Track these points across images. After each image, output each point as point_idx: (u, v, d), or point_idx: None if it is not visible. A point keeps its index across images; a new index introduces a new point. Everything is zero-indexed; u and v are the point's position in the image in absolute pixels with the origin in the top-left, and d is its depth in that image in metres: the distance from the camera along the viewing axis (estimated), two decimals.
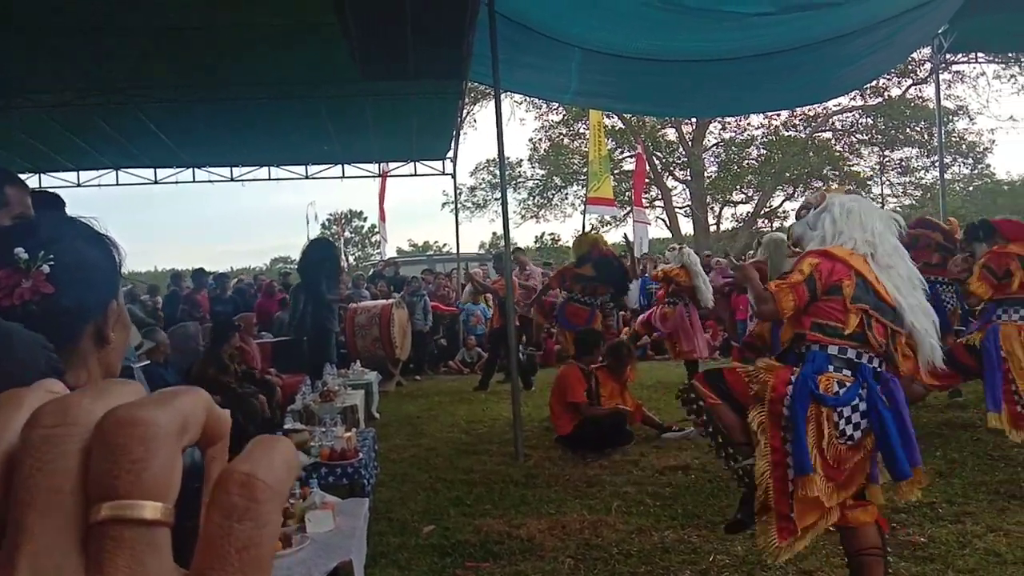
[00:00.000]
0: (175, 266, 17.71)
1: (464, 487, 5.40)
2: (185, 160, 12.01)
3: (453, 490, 5.34)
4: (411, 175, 13.35)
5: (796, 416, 2.90)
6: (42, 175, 11.86)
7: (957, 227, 7.27)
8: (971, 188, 31.27)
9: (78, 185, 12.23)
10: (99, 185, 12.33)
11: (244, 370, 7.32)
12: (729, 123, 28.50)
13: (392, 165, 13.61)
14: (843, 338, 2.93)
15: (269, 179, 12.80)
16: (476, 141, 62.49)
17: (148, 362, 3.37)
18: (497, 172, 29.99)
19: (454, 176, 13.14)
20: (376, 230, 22.09)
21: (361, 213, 43.11)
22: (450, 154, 12.76)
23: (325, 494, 3.68)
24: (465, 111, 25.42)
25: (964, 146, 28.09)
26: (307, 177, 12.83)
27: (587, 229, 28.92)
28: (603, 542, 4.22)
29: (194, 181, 12.60)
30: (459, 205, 30.55)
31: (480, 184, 31.07)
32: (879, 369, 2.96)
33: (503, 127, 6.31)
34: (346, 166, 12.94)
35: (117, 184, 12.39)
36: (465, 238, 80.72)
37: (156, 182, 12.55)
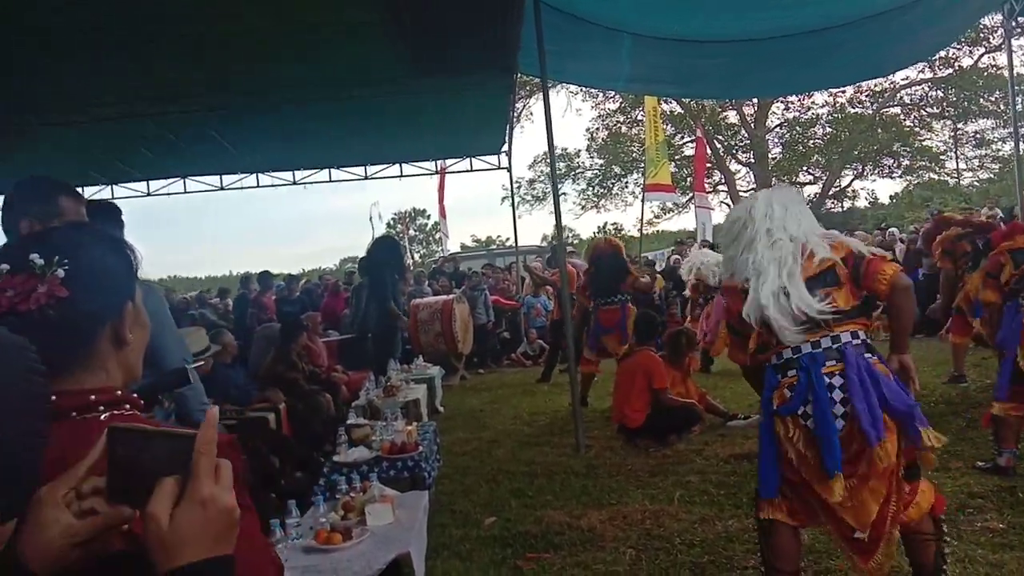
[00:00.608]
0: (248, 269, 18.24)
1: (525, 479, 5.42)
2: (248, 166, 12.32)
3: (515, 482, 5.36)
4: (467, 171, 13.41)
5: (770, 439, 2.88)
6: (114, 186, 12.34)
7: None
8: None
9: (148, 194, 12.69)
10: (168, 193, 12.77)
11: (311, 370, 7.49)
12: (792, 103, 27.75)
13: (449, 162, 13.70)
14: (769, 352, 2.93)
15: (330, 180, 13.04)
16: (533, 134, 62.35)
17: (200, 363, 3.47)
18: (556, 164, 29.99)
19: (510, 169, 13.14)
20: (439, 227, 22.30)
21: (424, 211, 43.67)
22: (505, 148, 12.76)
23: (384, 487, 3.74)
24: (521, 104, 25.59)
25: None
26: (366, 177, 13.01)
27: (647, 217, 28.73)
28: (665, 532, 4.18)
29: (258, 186, 12.93)
30: (519, 198, 30.77)
31: (539, 177, 31.08)
32: (835, 345, 2.80)
33: (551, 118, 6.29)
34: (404, 165, 13.09)
35: (185, 192, 12.81)
36: (526, 231, 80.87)
37: (222, 188, 12.92)
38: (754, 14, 6.34)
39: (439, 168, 14.04)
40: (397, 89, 8.46)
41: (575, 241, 37.85)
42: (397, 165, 13.07)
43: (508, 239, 33.38)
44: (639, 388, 6.27)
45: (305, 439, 5.96)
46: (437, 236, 36.21)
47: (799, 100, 27.36)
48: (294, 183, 12.93)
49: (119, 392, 1.07)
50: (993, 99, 25.75)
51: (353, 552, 3.13)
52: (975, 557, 3.49)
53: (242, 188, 12.97)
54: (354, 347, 9.35)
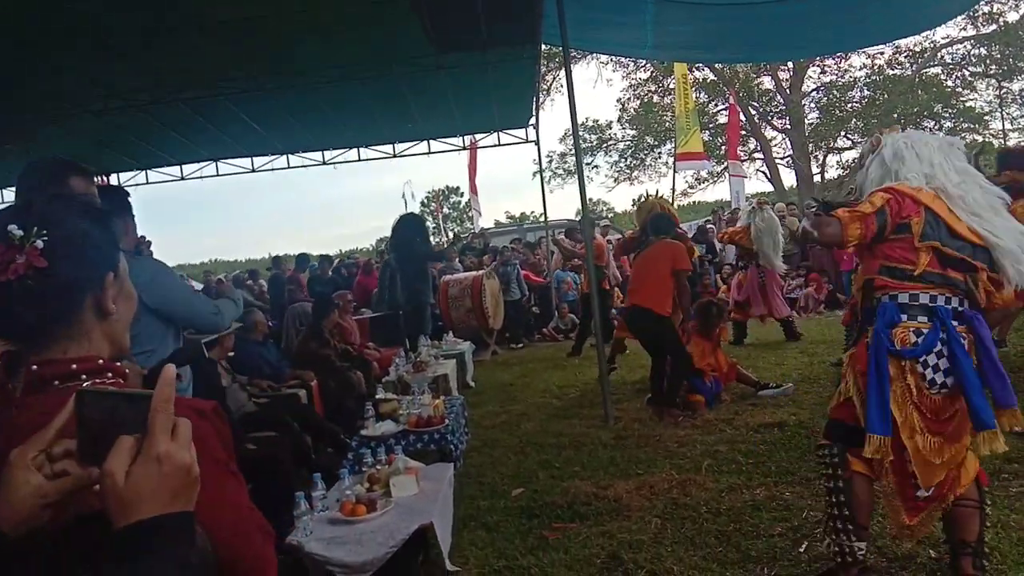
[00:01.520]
0: (288, 251, 18.44)
1: (553, 450, 5.43)
2: (279, 147, 12.42)
3: (542, 453, 5.38)
4: (495, 145, 13.35)
5: (882, 376, 2.74)
6: (148, 171, 12.54)
7: None
8: None
9: (181, 178, 12.88)
10: (200, 177, 12.94)
11: (343, 347, 7.57)
12: (829, 66, 27.07)
13: (476, 137, 13.65)
14: (913, 280, 2.74)
15: (359, 160, 13.08)
16: (564, 106, 61.58)
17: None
18: (587, 136, 29.71)
19: (537, 143, 13.04)
20: (472, 204, 22.30)
21: (457, 188, 43.76)
22: (532, 120, 12.68)
23: (409, 460, 3.78)
24: (551, 76, 25.35)
25: None
26: (395, 155, 13.02)
27: (681, 187, 28.36)
28: (691, 501, 4.16)
29: (288, 167, 13.03)
30: (550, 172, 30.65)
31: (570, 150, 30.80)
32: (960, 308, 2.76)
33: (573, 87, 6.21)
34: (431, 142, 13.07)
35: (217, 175, 12.97)
36: (559, 205, 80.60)
37: (253, 170, 13.05)
38: None
39: (468, 144, 14.01)
40: (422, 65, 8.45)
41: (609, 215, 37.62)
42: (425, 142, 13.06)
43: (541, 214, 33.35)
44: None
45: (337, 416, 6.04)
46: (470, 214, 36.34)
47: (835, 63, 26.67)
48: (323, 163, 13.01)
49: (101, 361, 1.09)
50: None
51: (377, 523, 3.18)
52: (1008, 523, 3.43)
53: (273, 169, 13.09)
54: (386, 324, 9.43)
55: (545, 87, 24.04)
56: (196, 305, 3.03)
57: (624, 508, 4.15)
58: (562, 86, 26.53)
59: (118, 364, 1.11)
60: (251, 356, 5.99)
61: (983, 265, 2.75)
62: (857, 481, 2.90)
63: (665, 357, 6.22)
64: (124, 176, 12.39)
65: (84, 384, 1.04)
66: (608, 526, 3.93)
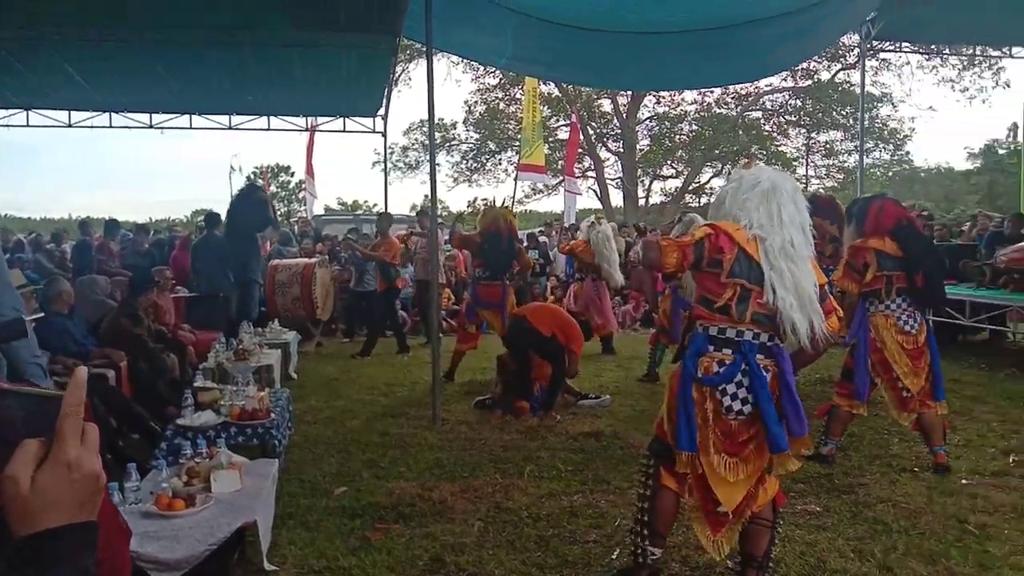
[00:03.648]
0: (89, 214, 16.93)
1: (379, 450, 5.39)
2: (101, 103, 11.43)
3: (367, 452, 5.33)
4: (340, 131, 13.03)
5: (685, 399, 2.99)
6: None
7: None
8: (890, 173, 32.47)
9: None
10: (7, 126, 11.66)
11: (157, 328, 7.09)
12: (664, 97, 28.78)
13: (321, 120, 13.27)
14: (714, 311, 2.99)
15: (190, 127, 12.31)
16: (410, 99, 61.54)
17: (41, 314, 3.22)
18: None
19: (384, 135, 12.89)
20: (303, 186, 21.56)
21: (288, 168, 42.15)
22: (381, 111, 12.50)
23: (232, 454, 3.63)
24: (400, 68, 25.11)
25: (886, 132, 29.08)
26: (230, 127, 12.37)
27: (518, 196, 29.01)
28: (513, 505, 4.28)
29: (111, 126, 12.03)
30: (391, 165, 30.31)
31: (413, 144, 30.66)
32: (769, 343, 3.02)
33: (434, 87, 6.19)
34: (272, 118, 12.53)
35: (28, 125, 11.73)
36: (396, 199, 79.95)
37: (70, 125, 11.94)
38: (641, 8, 6.49)
39: (310, 125, 13.58)
40: (272, 38, 8.07)
41: (444, 213, 37.74)
42: (265, 118, 12.50)
43: (376, 204, 32.90)
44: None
45: (146, 400, 5.65)
46: (301, 195, 35.11)
47: (670, 96, 28.41)
48: (151, 126, 12.12)
49: None
50: (844, 113, 27.75)
51: (196, 519, 3.02)
52: (793, 537, 3.80)
53: (92, 127, 12.03)
54: (204, 305, 8.95)
55: (394, 78, 23.80)
56: (7, 297, 2.71)
57: (448, 510, 4.20)
58: (411, 79, 26.38)
59: None
60: (55, 331, 5.47)
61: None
62: (664, 494, 3.14)
63: (528, 367, 6.44)
64: None
65: None
66: (432, 528, 3.97)
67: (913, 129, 29.64)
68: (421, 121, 29.87)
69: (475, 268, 7.95)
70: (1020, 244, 8.96)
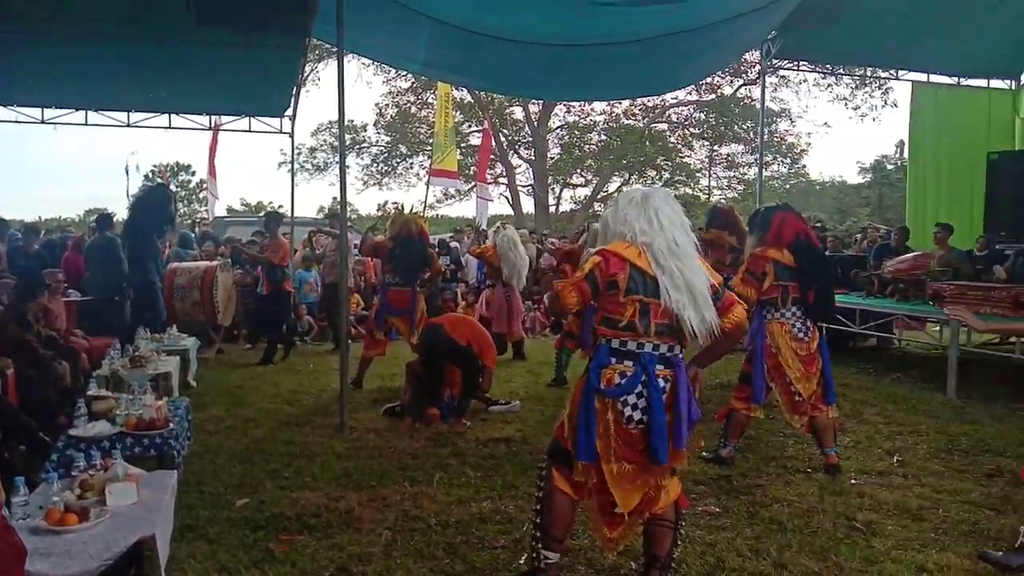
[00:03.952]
0: None
1: (283, 459, 5.27)
2: None
3: (271, 462, 5.20)
4: (245, 131, 12.65)
5: (589, 410, 3.05)
6: None
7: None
8: (788, 186, 33.96)
9: None
10: None
11: (47, 334, 6.71)
12: (574, 107, 29.24)
13: (225, 119, 12.85)
14: (619, 330, 3.07)
15: (86, 124, 11.70)
16: (319, 100, 60.41)
17: None
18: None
19: (292, 136, 12.59)
20: (204, 186, 20.84)
21: (189, 167, 40.73)
22: (289, 112, 12.22)
23: (128, 466, 3.49)
24: (309, 68, 24.63)
25: (784, 146, 30.41)
26: (128, 125, 11.82)
27: (430, 201, 28.92)
28: (422, 513, 4.26)
29: None
30: (298, 166, 29.70)
31: (321, 146, 30.15)
32: (669, 354, 3.10)
33: (344, 90, 6.10)
34: (173, 116, 12.04)
35: None
36: (303, 201, 78.36)
37: None
38: (553, 19, 6.59)
39: (213, 124, 13.15)
40: (175, 34, 7.78)
41: (353, 216, 37.23)
42: (166, 115, 12.01)
43: (281, 206, 32.10)
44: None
45: (35, 410, 5.33)
46: (202, 195, 33.98)
47: (580, 106, 28.90)
48: (43, 122, 11.46)
49: None
50: (745, 127, 28.86)
51: (90, 534, 2.88)
52: (695, 538, 3.92)
53: None
54: (97, 310, 8.53)
55: (302, 77, 23.33)
56: None
57: (355, 520, 4.14)
58: (319, 79, 25.93)
59: None
60: None
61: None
62: (557, 497, 3.18)
63: (442, 374, 6.44)
64: None
65: None
66: (338, 538, 3.90)
67: (809, 144, 31.32)
68: (330, 122, 29.44)
69: (385, 274, 7.87)
70: (905, 256, 9.53)
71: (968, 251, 9.85)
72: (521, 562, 3.61)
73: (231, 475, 4.92)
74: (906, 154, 16.24)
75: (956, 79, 12.67)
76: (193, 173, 40.03)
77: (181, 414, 4.85)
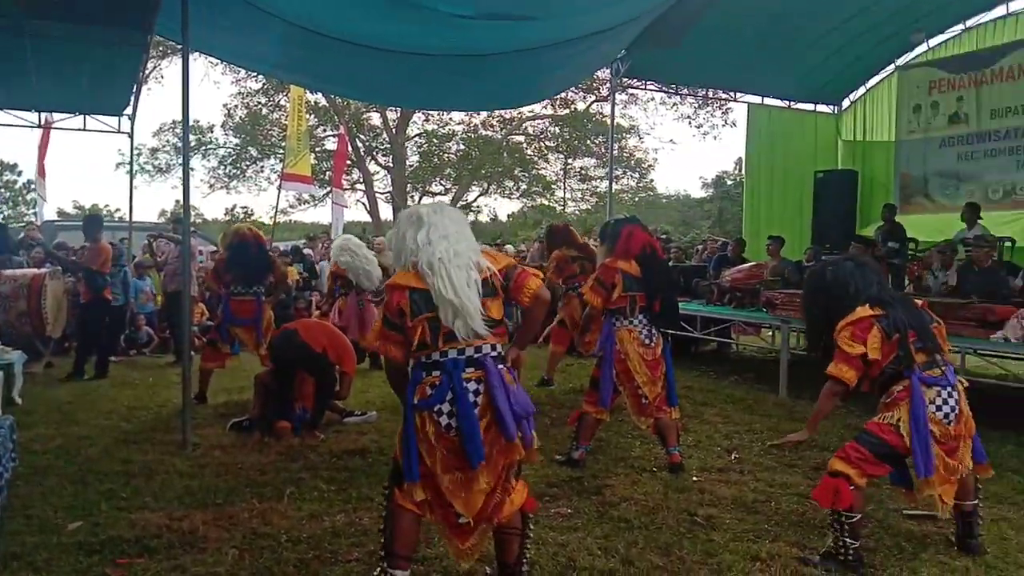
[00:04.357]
0: None
1: (120, 479, 4.95)
2: None
3: (107, 483, 4.87)
4: (80, 129, 11.83)
5: (408, 428, 3.08)
6: None
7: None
8: (637, 199, 35.55)
9: None
10: None
11: None
12: (432, 115, 29.29)
13: (57, 116, 11.96)
14: (419, 350, 3.10)
15: None
16: (163, 98, 57.24)
17: None
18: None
19: (131, 135, 11.88)
20: (33, 187, 19.28)
21: (15, 166, 37.38)
22: (128, 110, 11.53)
23: None
24: (152, 65, 23.34)
25: (633, 161, 31.82)
26: None
27: (281, 206, 28.09)
28: (272, 530, 4.13)
29: None
30: (138, 168, 28.07)
31: (164, 146, 28.63)
32: (477, 356, 3.10)
33: (189, 90, 5.82)
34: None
35: None
36: (143, 204, 74.02)
37: None
38: (408, 28, 6.57)
39: (44, 121, 12.20)
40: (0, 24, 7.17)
41: (199, 221, 35.53)
42: None
43: (119, 210, 30.20)
44: None
45: None
46: (29, 197, 31.39)
47: (439, 115, 28.98)
48: None
49: None
50: (597, 142, 29.95)
51: None
52: (547, 539, 4.01)
53: None
54: None
55: (144, 74, 22.07)
56: None
57: (200, 540, 3.95)
58: (163, 76, 24.65)
59: None
60: None
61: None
62: (401, 514, 3.15)
63: (291, 384, 6.24)
64: None
65: None
66: (181, 560, 3.71)
67: (656, 159, 32.96)
68: (174, 122, 27.99)
69: (225, 285, 7.55)
70: (741, 266, 10.22)
71: (797, 262, 10.67)
72: (375, 573, 3.57)
73: (61, 497, 4.57)
74: (743, 170, 17.41)
75: (787, 103, 13.75)
76: (20, 173, 36.82)
77: (4, 433, 4.45)
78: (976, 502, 3.99)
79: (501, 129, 30.12)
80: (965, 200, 10.75)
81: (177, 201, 34.80)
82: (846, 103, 14.08)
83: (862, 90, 13.77)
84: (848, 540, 3.66)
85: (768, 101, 13.67)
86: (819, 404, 3.93)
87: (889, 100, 13.30)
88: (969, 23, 11.92)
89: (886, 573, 3.69)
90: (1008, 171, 11.45)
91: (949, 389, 3.74)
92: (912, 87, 12.77)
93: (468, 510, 3.09)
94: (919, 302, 4.10)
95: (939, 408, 3.71)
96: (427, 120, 29.69)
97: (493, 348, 3.14)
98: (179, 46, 6.25)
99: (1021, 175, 11.29)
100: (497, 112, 27.81)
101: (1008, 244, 9.64)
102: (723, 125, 28.18)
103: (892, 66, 13.12)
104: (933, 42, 12.34)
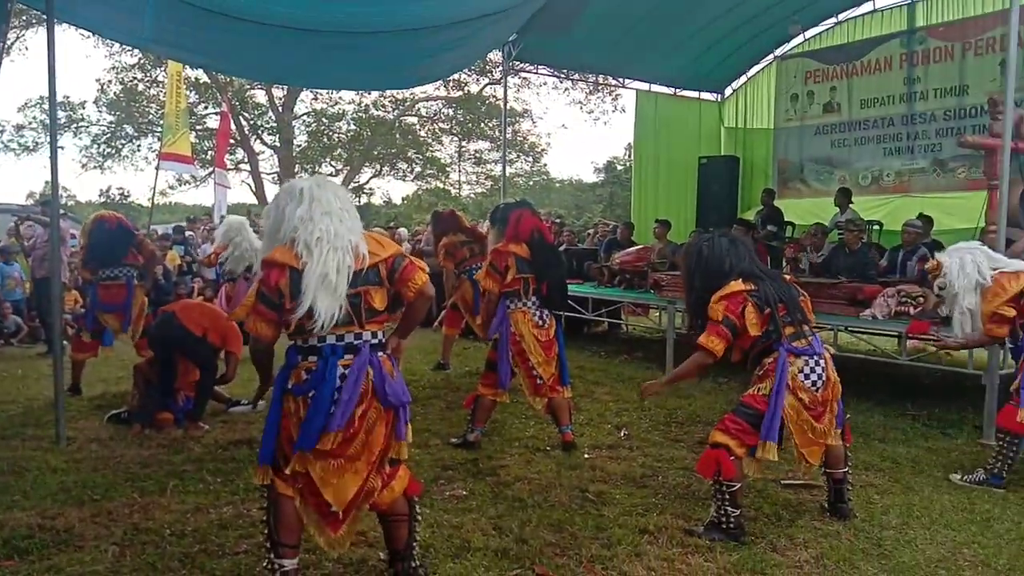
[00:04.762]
0: None
1: None
2: None
3: None
4: None
5: (275, 413, 3.05)
6: None
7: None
8: (531, 183, 35.90)
9: None
10: None
11: None
12: (321, 95, 28.51)
13: None
14: (296, 334, 3.04)
15: None
16: (27, 71, 53.46)
17: None
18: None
19: None
20: None
21: None
22: None
23: None
24: (14, 35, 21.70)
25: (527, 145, 32.02)
26: None
27: (160, 187, 26.82)
28: (155, 525, 3.97)
29: None
30: (2, 145, 26.17)
31: (31, 123, 26.74)
32: (356, 342, 3.06)
33: (55, 61, 5.46)
34: None
35: None
36: (8, 185, 68.88)
37: None
38: (291, 2, 6.34)
39: None
40: None
41: (70, 203, 33.49)
42: None
43: None
44: None
45: None
46: None
47: (328, 93, 28.24)
48: None
49: None
50: (491, 125, 29.96)
51: None
52: (442, 522, 4.03)
53: None
54: None
55: (5, 47, 20.50)
56: None
57: (76, 538, 3.76)
58: (27, 48, 23.04)
59: None
60: None
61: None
62: (282, 502, 3.09)
63: (172, 372, 5.96)
64: None
65: None
66: (56, 560, 3.53)
67: (549, 144, 33.28)
68: (41, 97, 26.15)
69: (92, 272, 7.10)
70: (630, 249, 10.50)
71: (683, 244, 11.04)
72: (264, 565, 3.49)
73: None
74: (632, 156, 17.83)
75: (673, 90, 14.13)
76: None
77: None
78: (846, 470, 4.27)
79: (393, 109, 29.65)
80: (838, 185, 11.39)
81: (46, 181, 32.63)
82: (729, 91, 14.58)
83: (744, 79, 14.29)
84: (729, 509, 3.84)
85: (655, 88, 14.00)
86: (684, 366, 4.12)
87: (768, 89, 13.86)
88: (841, 17, 12.54)
89: (765, 539, 3.90)
90: (876, 158, 12.17)
91: (816, 358, 3.98)
92: (790, 76, 13.37)
93: (338, 500, 3.03)
94: (787, 277, 4.34)
95: (807, 376, 3.93)
96: (316, 99, 28.91)
97: (374, 335, 3.11)
98: (43, 15, 5.82)
99: (888, 162, 12.02)
100: (389, 92, 27.36)
101: (876, 227, 10.29)
102: (613, 111, 28.87)
103: (771, 56, 13.69)
104: (809, 34, 12.93)
